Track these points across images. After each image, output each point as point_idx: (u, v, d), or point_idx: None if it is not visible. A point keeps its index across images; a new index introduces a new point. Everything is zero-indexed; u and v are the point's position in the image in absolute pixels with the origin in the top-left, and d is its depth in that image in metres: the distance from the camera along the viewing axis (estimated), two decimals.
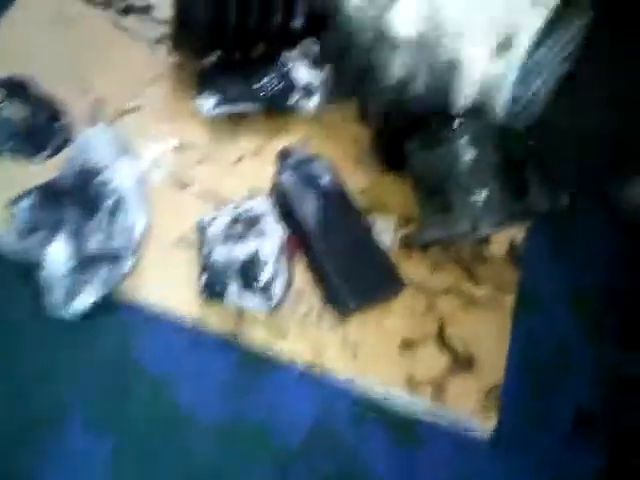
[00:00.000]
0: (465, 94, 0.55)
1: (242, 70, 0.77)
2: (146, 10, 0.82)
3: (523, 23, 0.51)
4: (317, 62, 0.78)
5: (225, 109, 0.76)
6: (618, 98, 0.49)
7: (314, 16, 0.78)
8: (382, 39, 0.57)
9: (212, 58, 0.77)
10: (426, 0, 0.55)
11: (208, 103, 0.75)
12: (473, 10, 0.53)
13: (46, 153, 0.69)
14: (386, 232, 0.74)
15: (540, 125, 0.53)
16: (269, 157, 0.75)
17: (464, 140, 0.63)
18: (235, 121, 0.77)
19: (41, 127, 0.69)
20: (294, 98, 0.77)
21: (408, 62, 0.57)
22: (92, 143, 0.66)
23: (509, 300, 0.73)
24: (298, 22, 0.76)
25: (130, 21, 0.81)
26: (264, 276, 0.63)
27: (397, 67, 0.57)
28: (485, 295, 0.73)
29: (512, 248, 0.76)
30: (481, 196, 0.63)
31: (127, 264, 0.64)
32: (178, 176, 0.73)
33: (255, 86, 0.76)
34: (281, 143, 0.75)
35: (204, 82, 0.76)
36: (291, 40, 0.77)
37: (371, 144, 0.77)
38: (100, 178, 0.64)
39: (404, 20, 0.56)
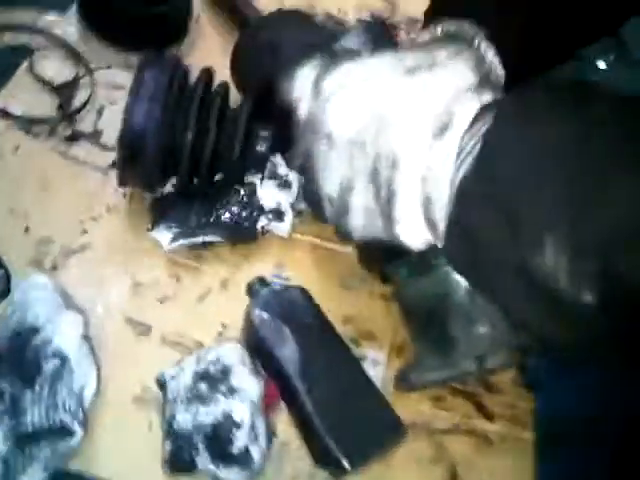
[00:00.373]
0: (410, 195, 0.48)
1: (201, 197, 0.69)
2: (95, 136, 0.75)
3: (459, 108, 0.47)
4: (286, 182, 0.71)
5: (185, 242, 0.67)
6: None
7: (281, 136, 0.72)
8: (320, 139, 0.51)
9: (167, 187, 0.70)
10: (362, 95, 0.50)
11: (165, 237, 0.67)
12: (410, 100, 0.49)
13: None
14: (378, 366, 0.65)
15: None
16: (238, 290, 0.66)
17: None
18: (197, 253, 0.69)
19: None
20: (262, 223, 0.69)
21: (346, 164, 0.50)
22: (30, 297, 0.57)
23: (527, 435, 0.64)
24: (262, 147, 0.70)
25: (77, 149, 0.74)
26: (239, 441, 0.53)
27: (334, 171, 0.51)
28: (499, 431, 0.63)
29: (522, 370, 0.67)
30: (485, 328, 0.55)
31: (76, 437, 0.54)
32: (136, 321, 0.64)
33: (217, 214, 0.69)
34: (251, 273, 0.67)
35: (159, 214, 0.68)
36: (256, 164, 0.71)
37: (359, 260, 0.68)
38: (39, 338, 0.54)
39: (339, 117, 0.50)
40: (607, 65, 0.94)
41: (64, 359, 0.54)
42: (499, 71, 0.52)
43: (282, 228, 0.71)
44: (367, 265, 0.68)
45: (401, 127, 0.48)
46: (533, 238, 0.42)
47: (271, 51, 0.75)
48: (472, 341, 0.55)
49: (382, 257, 0.65)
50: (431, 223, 0.48)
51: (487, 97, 0.48)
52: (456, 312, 0.56)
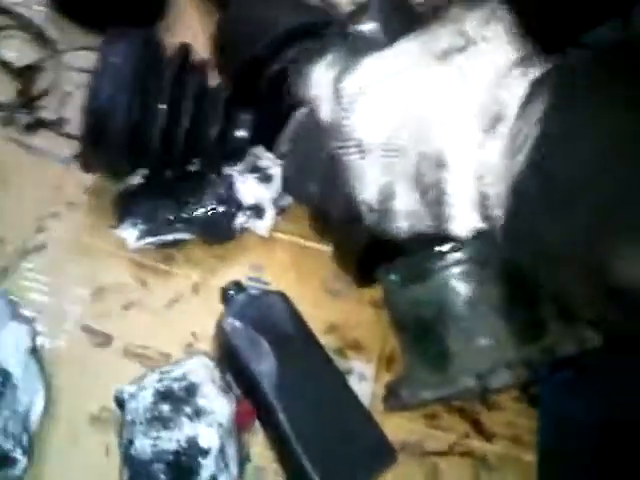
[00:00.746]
0: (463, 194, 0.45)
1: (173, 190, 0.63)
2: (58, 124, 0.68)
3: (508, 94, 0.43)
4: (267, 176, 0.65)
5: (153, 240, 0.61)
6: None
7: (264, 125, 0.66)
8: (349, 147, 0.47)
9: (135, 177, 0.63)
10: (390, 94, 0.46)
11: (131, 234, 0.60)
12: (448, 91, 0.44)
13: None
14: (365, 380, 0.59)
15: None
16: (212, 295, 0.60)
17: (457, 271, 0.49)
18: (167, 253, 0.62)
19: None
20: (239, 220, 0.63)
21: (384, 170, 0.46)
22: None
23: (529, 457, 0.57)
24: (242, 132, 0.64)
25: (38, 139, 0.67)
26: (205, 471, 0.46)
27: (371, 178, 0.47)
28: (499, 453, 0.57)
29: (525, 386, 0.61)
30: (485, 342, 0.48)
31: (18, 466, 0.48)
32: (96, 330, 0.57)
33: (189, 209, 0.62)
34: (226, 277, 0.61)
35: (125, 208, 0.62)
36: (235, 152, 0.64)
37: (335, 259, 0.63)
38: None
39: (368, 122, 0.46)
40: None
41: (6, 376, 0.48)
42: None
43: (262, 226, 0.64)
44: (343, 265, 0.62)
45: (444, 124, 0.44)
46: (611, 245, 0.38)
47: (258, 31, 0.68)
48: (472, 356, 0.49)
49: (358, 257, 0.59)
50: (488, 217, 0.44)
51: (534, 71, 0.43)
52: (454, 323, 0.50)
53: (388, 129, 0.45)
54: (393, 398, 0.54)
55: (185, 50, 0.64)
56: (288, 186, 0.63)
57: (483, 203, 0.44)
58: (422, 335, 0.52)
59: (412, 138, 0.44)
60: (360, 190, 0.47)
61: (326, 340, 0.60)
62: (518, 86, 0.43)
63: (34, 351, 0.51)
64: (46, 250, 0.61)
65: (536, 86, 0.42)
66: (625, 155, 0.38)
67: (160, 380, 0.50)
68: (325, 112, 0.49)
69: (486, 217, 0.44)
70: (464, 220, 0.45)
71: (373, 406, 0.57)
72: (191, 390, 0.49)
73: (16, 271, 0.59)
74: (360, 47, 0.51)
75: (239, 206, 0.64)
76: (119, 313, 0.59)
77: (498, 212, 0.43)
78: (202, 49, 0.70)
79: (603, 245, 0.38)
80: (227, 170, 0.65)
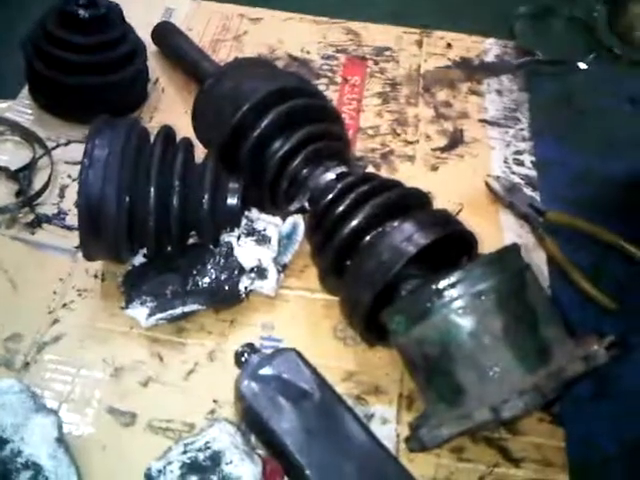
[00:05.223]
0: None
1: (175, 265, 0.65)
2: (58, 218, 0.71)
3: None
4: (264, 237, 0.67)
5: (163, 315, 0.63)
6: None
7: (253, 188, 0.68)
8: None
9: (137, 258, 0.65)
10: None
11: (141, 313, 0.62)
12: None
13: None
14: (388, 423, 0.60)
15: None
16: (227, 360, 0.61)
17: (456, 306, 0.50)
18: (178, 326, 0.64)
19: None
20: (244, 283, 0.65)
21: None
22: None
23: (562, 477, 0.57)
24: (232, 200, 0.66)
25: (41, 234, 0.69)
26: None
27: None
28: (531, 477, 0.57)
29: (546, 405, 0.61)
30: (494, 373, 0.49)
31: None
32: (119, 410, 0.58)
33: (194, 280, 0.64)
34: (239, 340, 0.62)
35: (132, 289, 0.64)
36: (229, 219, 0.66)
37: (344, 316, 0.63)
38: (8, 449, 0.49)
39: None
40: (587, 65, 0.95)
41: (38, 469, 0.49)
42: None
43: (267, 286, 0.66)
44: (349, 320, 0.62)
45: None
46: None
47: (231, 100, 0.71)
48: (483, 388, 0.50)
49: (365, 314, 0.59)
50: None
51: None
52: (461, 358, 0.51)
53: None
54: (414, 439, 0.54)
55: (167, 131, 0.67)
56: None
57: None
58: (432, 373, 0.53)
59: None
60: None
61: (344, 388, 0.61)
62: None
63: (61, 441, 0.52)
64: (63, 340, 0.62)
65: None
66: None
67: (184, 452, 0.51)
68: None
69: None
70: None
71: (399, 448, 0.58)
72: (215, 458, 0.50)
73: (36, 364, 0.60)
74: None
75: (241, 270, 0.66)
76: (139, 390, 0.60)
77: None
78: (184, 127, 0.73)
79: None
80: (225, 237, 0.67)
